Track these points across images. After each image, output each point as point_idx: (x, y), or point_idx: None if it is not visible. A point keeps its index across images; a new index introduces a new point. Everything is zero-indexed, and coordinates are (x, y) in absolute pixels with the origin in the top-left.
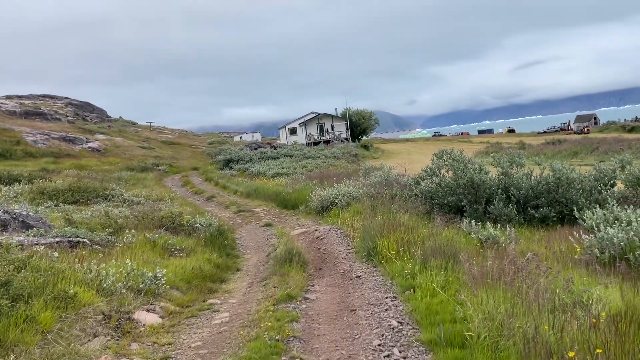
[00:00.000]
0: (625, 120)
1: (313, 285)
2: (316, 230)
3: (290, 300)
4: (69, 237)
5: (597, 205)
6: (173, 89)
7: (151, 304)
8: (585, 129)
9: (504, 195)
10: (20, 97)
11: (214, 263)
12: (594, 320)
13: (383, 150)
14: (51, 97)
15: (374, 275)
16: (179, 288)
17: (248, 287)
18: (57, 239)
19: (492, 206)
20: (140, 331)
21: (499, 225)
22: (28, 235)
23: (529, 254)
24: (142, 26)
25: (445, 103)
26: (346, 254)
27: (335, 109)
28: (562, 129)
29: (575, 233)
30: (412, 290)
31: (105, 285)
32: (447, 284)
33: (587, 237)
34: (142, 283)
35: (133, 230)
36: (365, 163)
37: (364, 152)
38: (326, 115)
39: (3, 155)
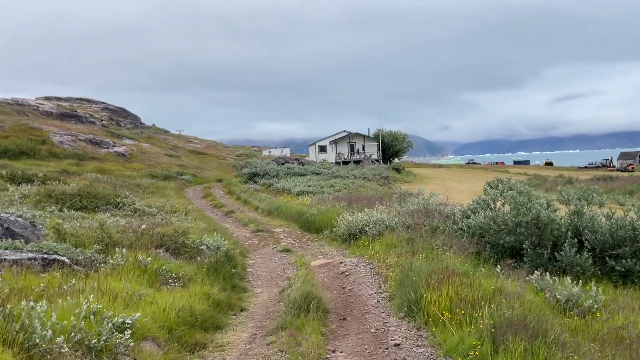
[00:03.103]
0: None
1: (334, 352)
2: (341, 262)
3: None
4: (45, 253)
5: None
6: (207, 100)
7: None
8: (630, 167)
9: (575, 240)
10: (59, 99)
11: (213, 300)
12: None
13: (415, 175)
14: (88, 100)
15: (419, 345)
16: (156, 340)
17: (249, 342)
18: (30, 255)
19: (562, 253)
20: None
21: (573, 278)
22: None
23: None
24: (180, 36)
25: (479, 131)
26: (377, 300)
27: (368, 129)
28: (603, 165)
29: None
30: None
31: (37, 340)
32: None
33: None
34: (98, 336)
35: (124, 250)
36: (398, 187)
37: (396, 175)
38: (358, 135)
39: (27, 153)
